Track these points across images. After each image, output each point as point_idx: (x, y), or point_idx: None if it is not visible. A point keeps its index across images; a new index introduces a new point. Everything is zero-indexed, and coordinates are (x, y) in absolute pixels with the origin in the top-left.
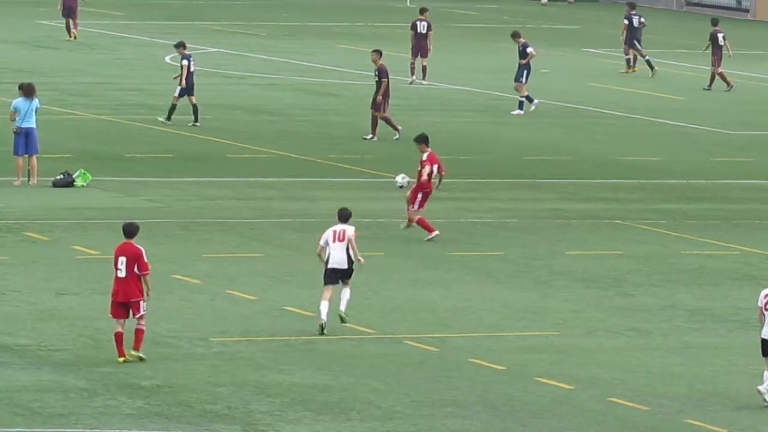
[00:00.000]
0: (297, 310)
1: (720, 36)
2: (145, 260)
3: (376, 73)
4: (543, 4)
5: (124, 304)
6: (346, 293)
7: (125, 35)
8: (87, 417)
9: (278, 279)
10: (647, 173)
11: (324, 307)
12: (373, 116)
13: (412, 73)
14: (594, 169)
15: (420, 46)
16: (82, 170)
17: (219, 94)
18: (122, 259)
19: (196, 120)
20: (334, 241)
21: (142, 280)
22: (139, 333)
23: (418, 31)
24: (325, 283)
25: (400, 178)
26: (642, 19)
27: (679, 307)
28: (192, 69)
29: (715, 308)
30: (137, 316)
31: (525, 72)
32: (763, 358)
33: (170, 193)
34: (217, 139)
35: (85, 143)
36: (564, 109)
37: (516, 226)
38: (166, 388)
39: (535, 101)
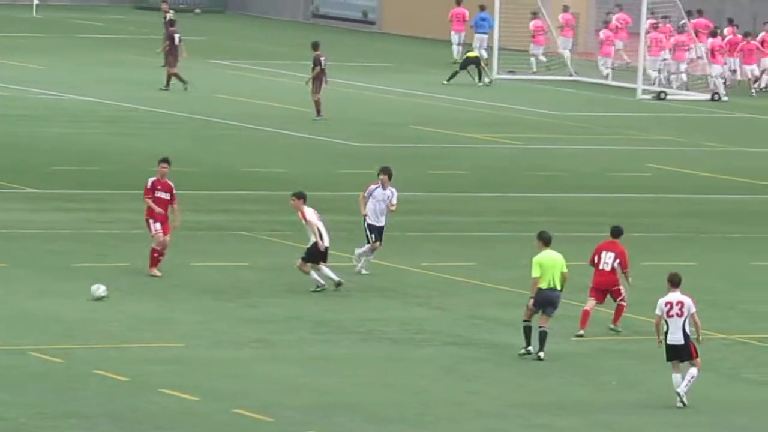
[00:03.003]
0: None
1: (177, 36)
2: None
3: None
4: None
5: None
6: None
7: None
8: None
9: None
10: (274, 184)
11: None
12: None
13: None
14: (220, 181)
15: None
16: None
17: None
18: None
19: None
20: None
21: None
22: None
23: None
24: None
25: (102, 291)
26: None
27: (304, 318)
28: None
29: (340, 320)
30: None
31: None
32: (670, 363)
33: None
34: None
35: None
36: (191, 120)
37: (143, 237)
38: None
39: None
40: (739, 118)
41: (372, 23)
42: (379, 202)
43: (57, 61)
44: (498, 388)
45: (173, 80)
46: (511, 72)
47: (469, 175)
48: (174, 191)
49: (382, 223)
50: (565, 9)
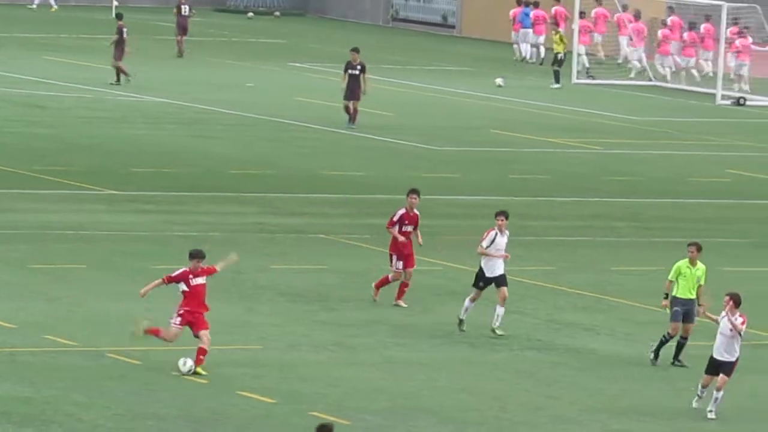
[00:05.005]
0: None
1: (124, 30)
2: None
3: None
4: (249, 18)
5: None
6: None
7: None
8: None
9: None
10: (352, 188)
11: None
12: None
13: None
14: (299, 184)
15: None
16: None
17: None
18: None
19: None
20: None
21: None
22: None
23: None
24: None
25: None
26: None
27: (382, 322)
28: None
29: (418, 324)
30: None
31: None
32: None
33: None
34: None
35: None
36: (270, 123)
37: (220, 240)
38: None
39: None
40: None
41: (451, 27)
42: None
43: (135, 63)
44: (577, 393)
45: (122, 75)
46: (591, 77)
47: (549, 179)
48: (419, 222)
49: None
50: (624, 8)
